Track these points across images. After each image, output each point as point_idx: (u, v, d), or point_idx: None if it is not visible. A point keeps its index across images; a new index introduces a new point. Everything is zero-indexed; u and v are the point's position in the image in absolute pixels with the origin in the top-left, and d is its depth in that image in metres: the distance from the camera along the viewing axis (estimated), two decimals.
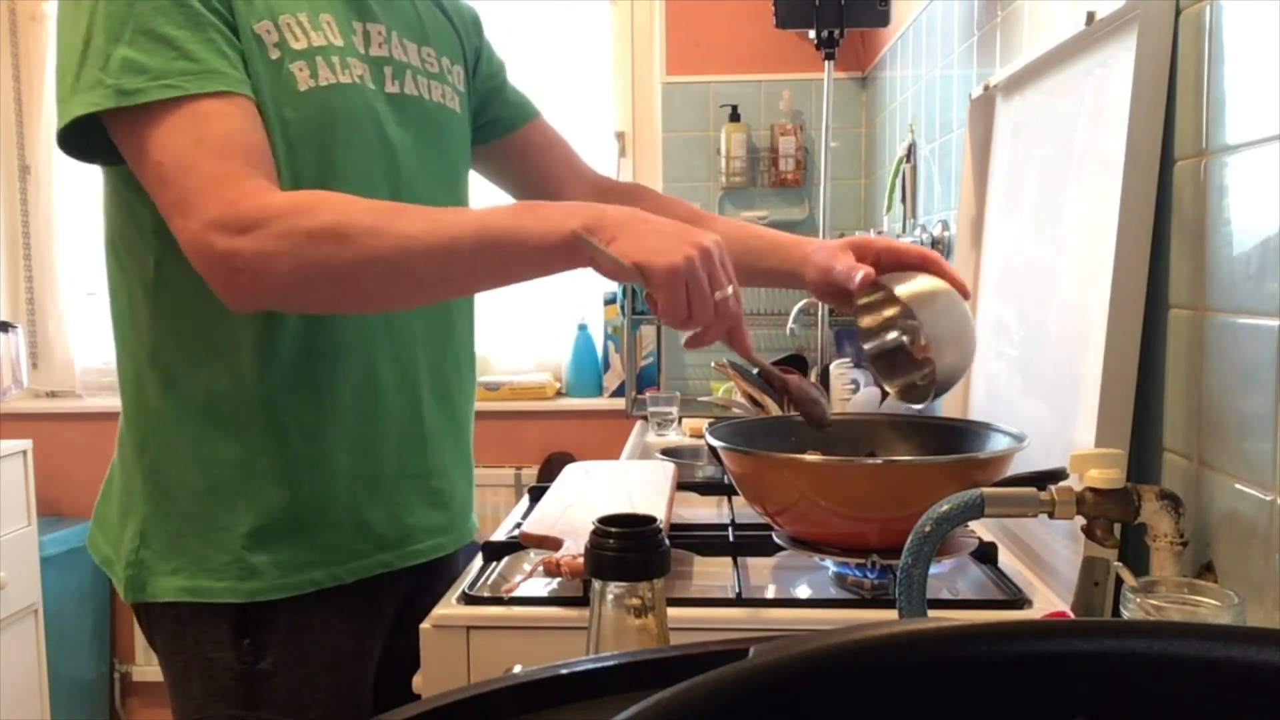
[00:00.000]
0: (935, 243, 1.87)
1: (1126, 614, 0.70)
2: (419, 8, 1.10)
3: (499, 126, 1.23)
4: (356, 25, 1.01)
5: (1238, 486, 0.83)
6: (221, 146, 0.88)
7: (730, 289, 0.86)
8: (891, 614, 0.91)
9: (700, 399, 2.63)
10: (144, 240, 0.98)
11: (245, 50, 0.92)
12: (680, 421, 2.22)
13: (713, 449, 1.12)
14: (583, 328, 3.04)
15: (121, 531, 1.01)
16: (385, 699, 1.08)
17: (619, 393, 2.98)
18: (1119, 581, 0.76)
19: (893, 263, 1.06)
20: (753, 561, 1.16)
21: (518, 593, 1.03)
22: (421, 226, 0.86)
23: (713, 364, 2.15)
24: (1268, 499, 0.79)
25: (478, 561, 1.16)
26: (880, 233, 2.27)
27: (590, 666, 0.40)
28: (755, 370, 1.02)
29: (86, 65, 0.88)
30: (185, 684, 1.00)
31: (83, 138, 0.91)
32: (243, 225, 0.85)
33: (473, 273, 0.90)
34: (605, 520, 0.58)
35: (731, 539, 1.19)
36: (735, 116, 2.90)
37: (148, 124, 0.87)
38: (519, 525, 1.22)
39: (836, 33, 2.03)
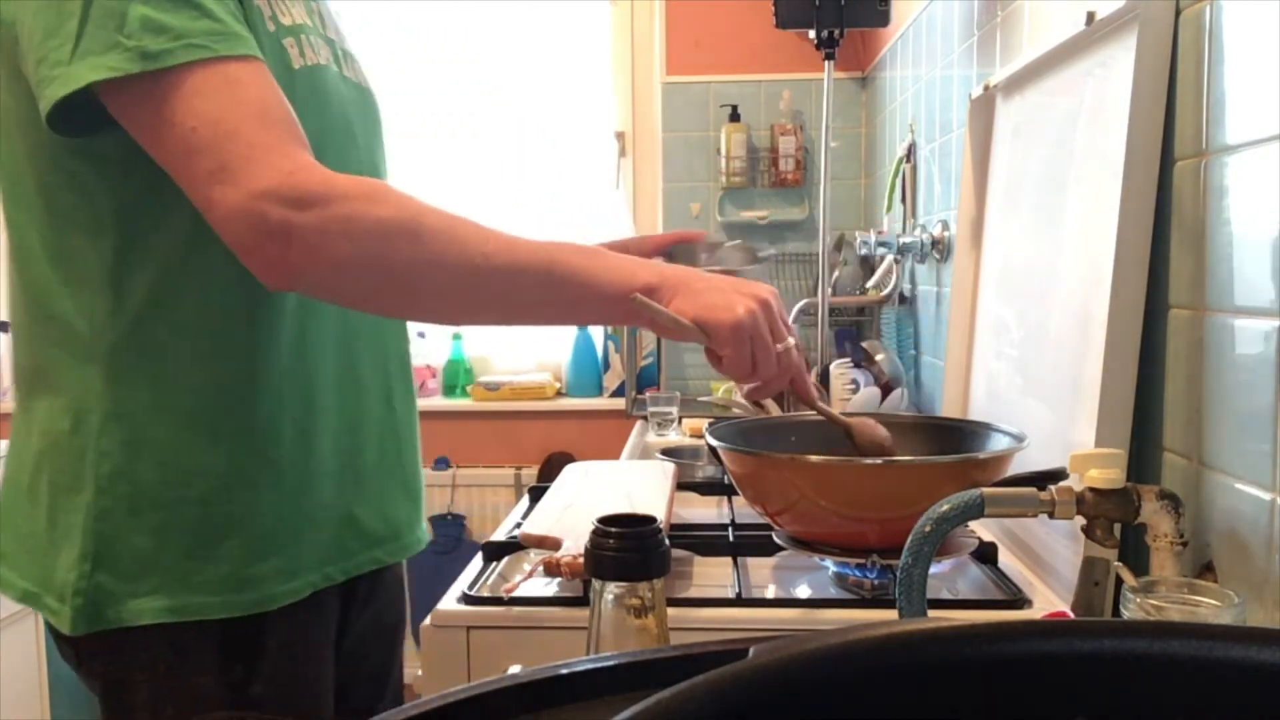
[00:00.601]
0: (935, 242, 1.88)
1: (1126, 614, 0.70)
2: None
3: None
4: (313, 5, 0.98)
5: (1238, 486, 0.83)
6: (261, 113, 0.81)
7: (791, 340, 0.89)
8: (891, 614, 0.91)
9: (700, 399, 2.63)
10: (98, 229, 0.87)
11: (252, 16, 0.88)
12: (680, 421, 2.22)
13: (713, 449, 1.12)
14: (583, 328, 3.04)
15: (52, 558, 0.89)
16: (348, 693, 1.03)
17: (619, 393, 2.98)
18: (1119, 581, 0.76)
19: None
20: (753, 561, 1.16)
21: (518, 593, 1.03)
22: (495, 245, 0.84)
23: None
24: (1268, 499, 0.79)
25: (478, 561, 1.16)
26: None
27: (590, 666, 0.40)
28: (819, 414, 1.05)
29: (91, 24, 0.79)
30: (153, 711, 0.90)
31: (76, 110, 0.81)
32: (302, 199, 0.79)
33: (532, 303, 0.88)
34: (605, 520, 0.58)
35: (731, 539, 1.19)
36: (735, 116, 2.90)
37: (172, 89, 0.80)
38: (519, 525, 1.22)
39: (836, 33, 2.03)
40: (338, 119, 0.96)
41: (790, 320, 0.93)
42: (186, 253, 0.88)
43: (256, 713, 0.93)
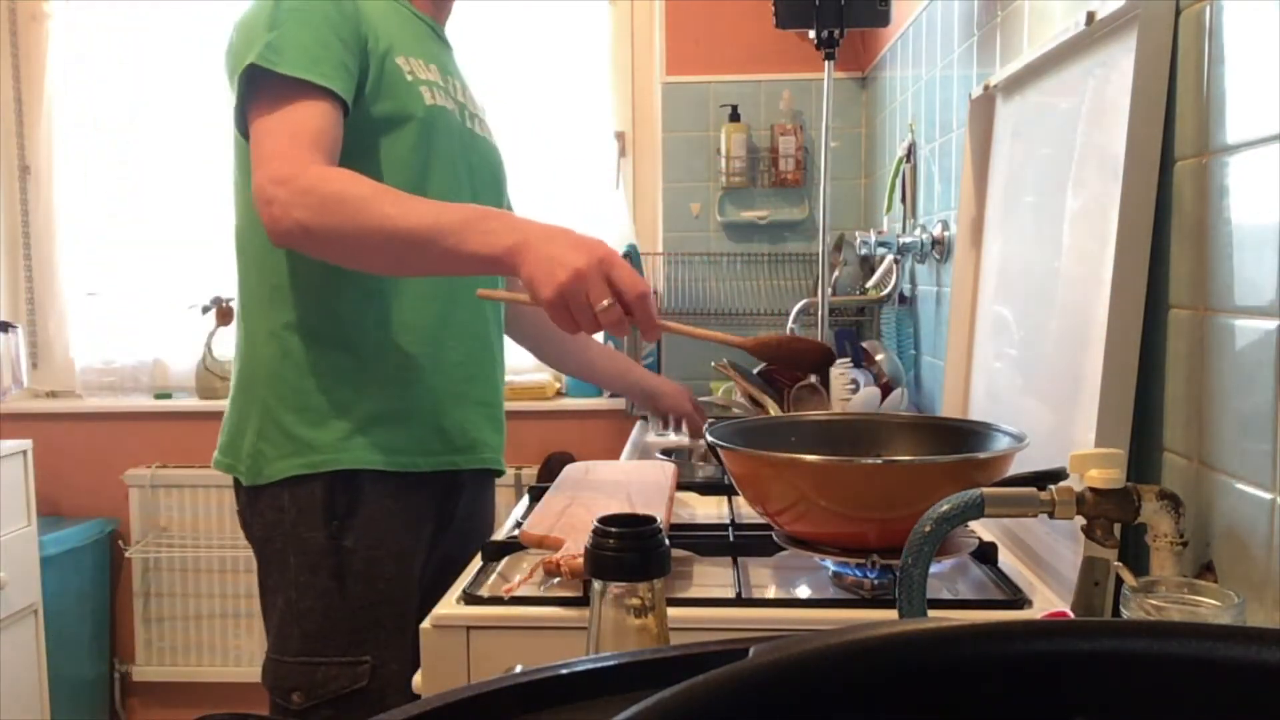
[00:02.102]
0: (935, 242, 1.87)
1: (1126, 614, 0.70)
2: (469, 83, 1.49)
3: None
4: (446, 78, 1.37)
5: (1238, 486, 0.83)
6: (305, 133, 1.18)
7: (606, 302, 1.04)
8: (891, 614, 0.91)
9: (700, 399, 2.63)
10: None
11: (384, 72, 1.26)
12: (680, 422, 2.22)
13: (713, 449, 1.12)
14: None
15: (240, 439, 1.32)
16: (430, 594, 1.19)
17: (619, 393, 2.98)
18: (1119, 581, 0.76)
19: None
20: (753, 561, 1.16)
21: (518, 593, 1.03)
22: (399, 209, 1.12)
23: (713, 364, 2.15)
24: (1268, 499, 0.79)
25: (478, 561, 1.16)
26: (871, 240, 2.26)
27: (590, 666, 0.40)
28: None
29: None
30: (282, 561, 1.29)
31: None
32: (283, 179, 1.14)
33: (424, 260, 1.15)
34: (605, 520, 0.58)
35: (731, 539, 1.19)
36: (735, 116, 2.89)
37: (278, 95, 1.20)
38: (519, 525, 1.22)
39: (836, 33, 2.02)
40: (453, 147, 1.35)
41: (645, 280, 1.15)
42: None
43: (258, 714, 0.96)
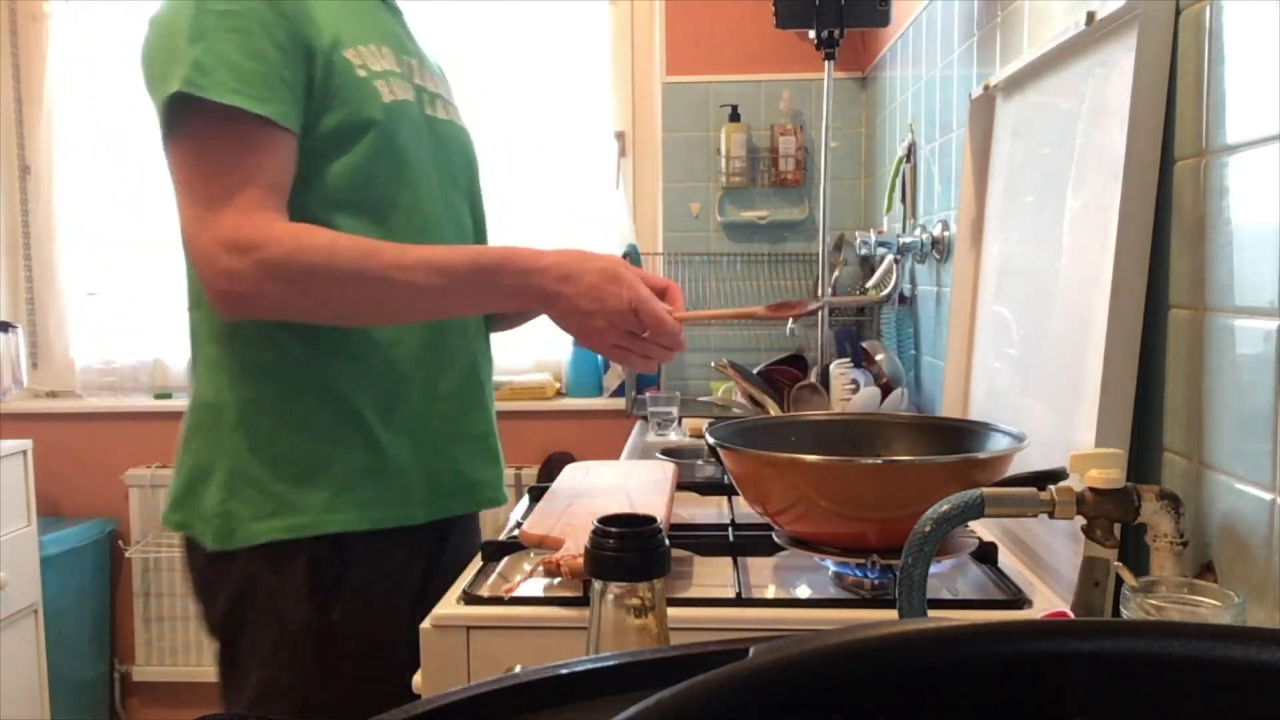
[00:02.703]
0: (935, 242, 1.88)
1: (1126, 614, 0.70)
2: (426, 51, 1.31)
3: None
4: (403, 59, 1.20)
5: (1238, 486, 0.83)
6: (248, 170, 1.04)
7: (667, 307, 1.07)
8: (891, 614, 0.91)
9: (700, 399, 2.64)
10: None
11: (333, 74, 1.09)
12: (680, 421, 2.22)
13: (713, 449, 1.12)
14: None
15: (200, 494, 1.14)
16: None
17: (619, 393, 2.98)
18: (1119, 581, 0.76)
19: None
20: (753, 561, 1.16)
21: (518, 593, 1.03)
22: (401, 275, 1.04)
23: (713, 364, 2.15)
24: (1268, 499, 0.79)
25: (477, 561, 1.16)
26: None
27: (590, 666, 0.40)
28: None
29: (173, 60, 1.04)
30: (256, 635, 1.11)
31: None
32: (245, 247, 1.01)
33: (442, 307, 1.11)
34: (605, 520, 0.58)
35: (731, 539, 1.19)
36: (735, 116, 2.89)
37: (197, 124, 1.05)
38: (519, 525, 1.22)
39: (836, 33, 2.03)
40: (420, 143, 1.19)
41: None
42: None
43: (258, 714, 0.97)
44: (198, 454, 1.15)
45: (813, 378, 2.08)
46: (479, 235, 1.32)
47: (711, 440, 1.11)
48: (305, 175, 1.09)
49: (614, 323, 1.06)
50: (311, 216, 1.09)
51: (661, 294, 1.10)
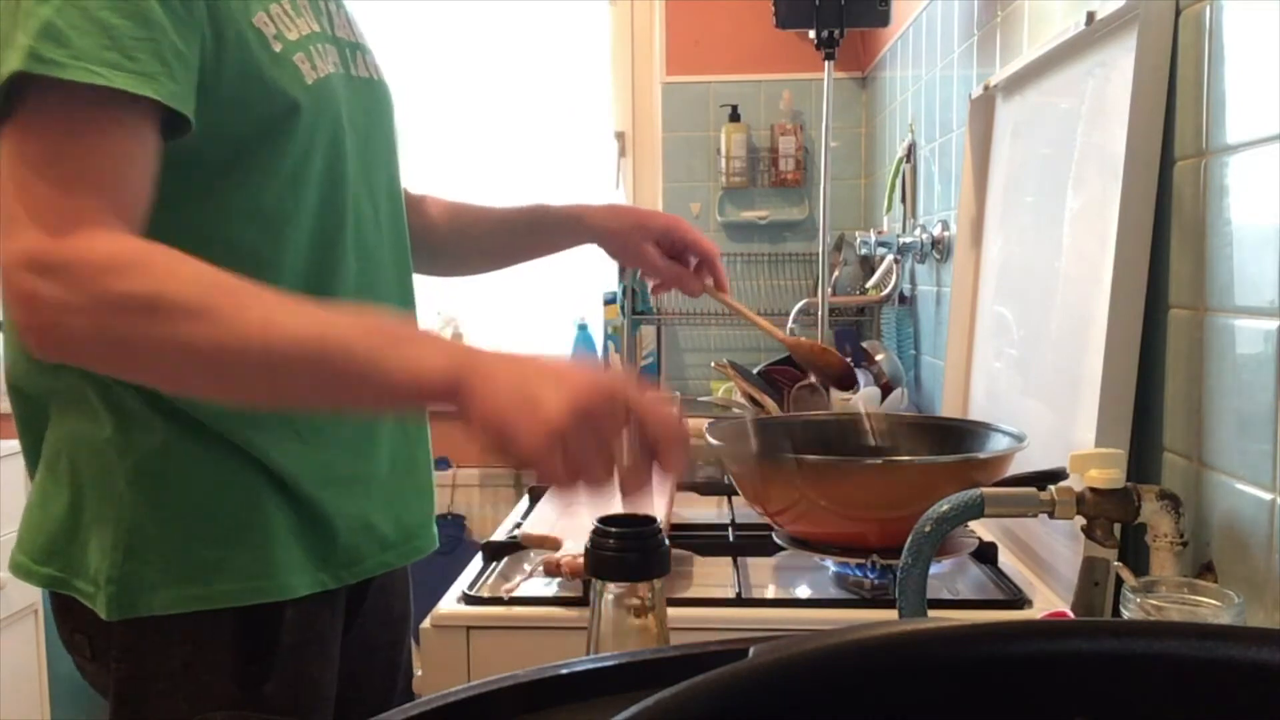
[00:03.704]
0: (935, 242, 1.88)
1: (1126, 614, 0.70)
2: None
3: None
4: (322, 4, 0.95)
5: (1238, 486, 0.83)
6: (91, 173, 0.77)
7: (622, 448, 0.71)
8: (891, 614, 0.91)
9: (700, 399, 2.63)
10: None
11: (244, 55, 0.84)
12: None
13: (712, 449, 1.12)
14: (582, 328, 3.04)
15: (81, 545, 0.89)
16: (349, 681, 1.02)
17: None
18: (1119, 581, 0.76)
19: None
20: (753, 561, 1.16)
21: (518, 593, 1.03)
22: (256, 323, 0.74)
23: (713, 364, 2.15)
24: (1268, 499, 0.79)
25: (478, 561, 1.16)
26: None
27: (590, 666, 0.40)
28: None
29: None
30: (164, 708, 0.89)
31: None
32: (51, 267, 0.74)
33: (301, 390, 0.78)
34: (605, 520, 0.58)
35: (731, 539, 1.19)
36: (735, 116, 2.89)
37: (40, 110, 0.76)
38: (519, 525, 1.22)
39: (836, 33, 2.02)
40: (348, 123, 0.94)
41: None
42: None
43: (260, 714, 0.93)
44: (75, 495, 0.89)
45: (813, 378, 2.08)
46: (395, 215, 1.04)
47: (712, 440, 1.11)
48: (198, 183, 0.86)
49: (548, 398, 0.69)
50: (199, 233, 0.85)
51: (704, 261, 0.99)
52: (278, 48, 0.87)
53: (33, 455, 0.94)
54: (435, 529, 1.08)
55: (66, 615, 0.93)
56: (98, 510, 0.88)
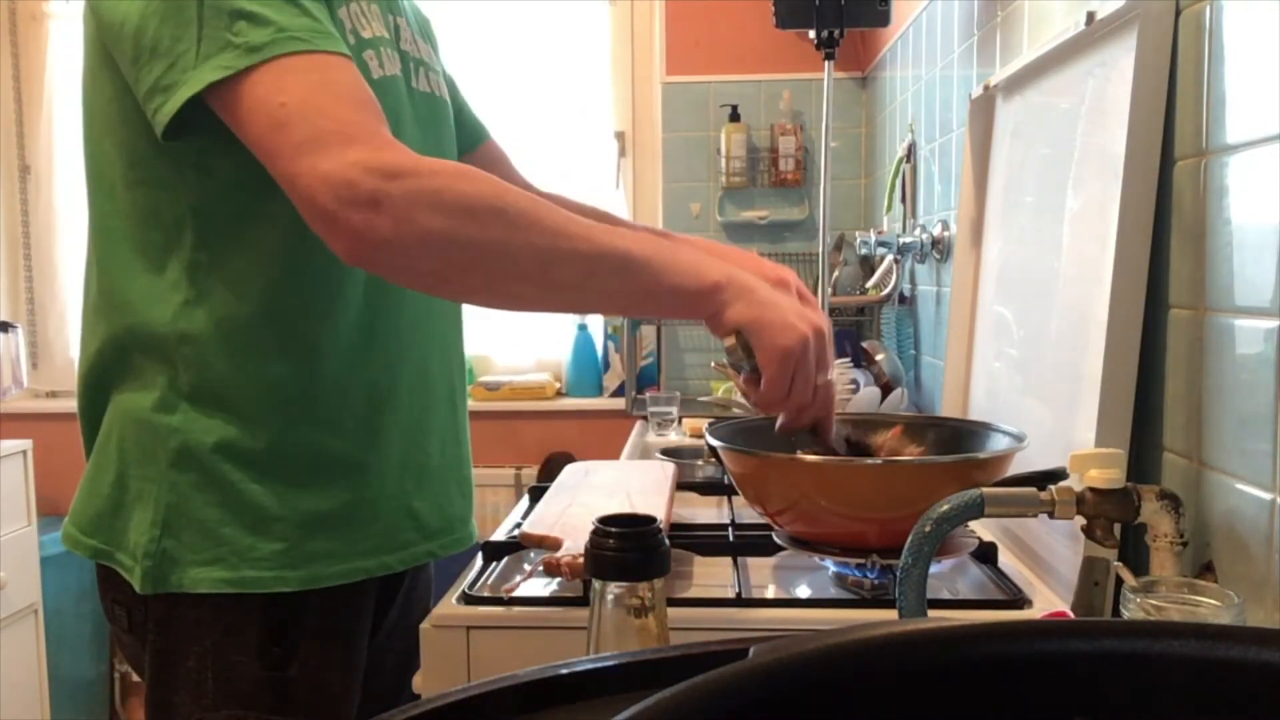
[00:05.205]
0: (935, 242, 1.88)
1: (1126, 614, 0.70)
2: (413, 4, 1.11)
3: (458, 143, 1.16)
4: (390, 18, 1.01)
5: (1238, 486, 0.83)
6: (353, 97, 0.84)
7: (832, 373, 0.88)
8: (891, 614, 0.91)
9: (700, 399, 2.63)
10: (178, 226, 0.91)
11: (339, 29, 0.91)
12: (680, 421, 2.22)
13: (713, 449, 1.12)
14: (582, 327, 3.04)
15: (124, 520, 0.94)
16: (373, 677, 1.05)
17: (619, 393, 2.98)
18: (1119, 581, 0.76)
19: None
20: (753, 561, 1.16)
21: (518, 593, 1.03)
22: (576, 229, 0.83)
23: (713, 364, 2.15)
24: (1268, 499, 0.79)
25: (478, 561, 1.16)
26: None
27: (590, 666, 0.40)
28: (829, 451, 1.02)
29: (206, 27, 0.82)
30: (196, 682, 0.93)
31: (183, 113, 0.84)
32: (393, 171, 0.79)
33: (606, 291, 0.87)
34: (605, 520, 0.58)
35: (731, 539, 1.19)
36: (735, 116, 2.90)
37: (268, 73, 0.82)
38: (519, 525, 1.22)
39: (836, 33, 2.03)
40: (406, 130, 0.98)
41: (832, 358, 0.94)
42: (259, 255, 0.92)
43: (260, 714, 0.94)
44: (123, 471, 0.95)
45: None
46: None
47: (711, 440, 1.11)
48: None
49: (797, 318, 0.86)
50: (279, 221, 0.90)
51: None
52: (352, 41, 0.92)
53: (90, 434, 1.00)
54: (474, 525, 1.12)
55: (109, 586, 0.99)
56: (140, 487, 0.93)
